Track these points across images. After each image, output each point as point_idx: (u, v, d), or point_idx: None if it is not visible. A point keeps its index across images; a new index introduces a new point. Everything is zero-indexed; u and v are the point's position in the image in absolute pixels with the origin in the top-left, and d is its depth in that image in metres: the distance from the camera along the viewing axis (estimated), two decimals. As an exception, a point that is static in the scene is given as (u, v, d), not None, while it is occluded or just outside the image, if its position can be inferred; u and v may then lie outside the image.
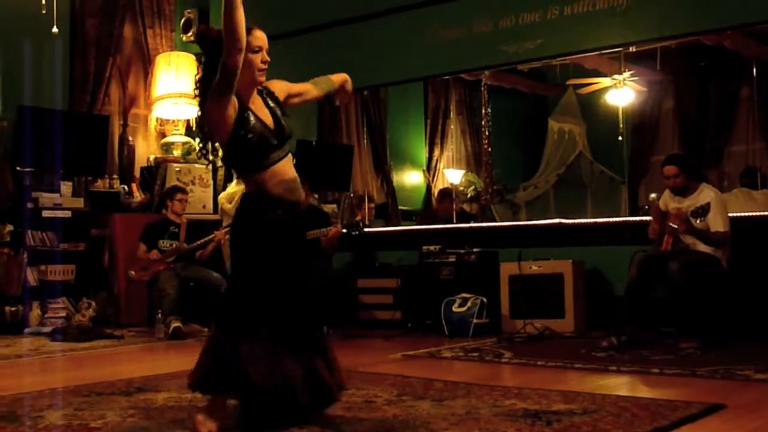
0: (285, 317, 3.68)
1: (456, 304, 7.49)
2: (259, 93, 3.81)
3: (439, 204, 10.84)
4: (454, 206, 10.64)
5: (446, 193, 10.97)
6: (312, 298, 3.86)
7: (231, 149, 3.68)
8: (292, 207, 3.80)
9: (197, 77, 3.79)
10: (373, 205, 11.12)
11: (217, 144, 3.79)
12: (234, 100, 3.59)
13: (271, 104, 3.82)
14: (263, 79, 3.76)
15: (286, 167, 3.78)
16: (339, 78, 4.24)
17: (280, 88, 3.93)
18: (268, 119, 3.74)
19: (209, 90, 3.60)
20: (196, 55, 10.22)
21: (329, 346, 3.90)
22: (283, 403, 3.61)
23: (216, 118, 3.63)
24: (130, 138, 10.17)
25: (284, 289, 3.71)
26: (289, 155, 3.83)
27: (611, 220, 8.21)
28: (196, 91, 3.76)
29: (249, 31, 3.60)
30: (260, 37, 3.71)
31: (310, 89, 4.10)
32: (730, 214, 6.54)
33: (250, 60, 3.63)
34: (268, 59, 3.74)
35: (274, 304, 3.67)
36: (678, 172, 6.52)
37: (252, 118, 3.66)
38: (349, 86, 4.28)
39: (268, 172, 3.70)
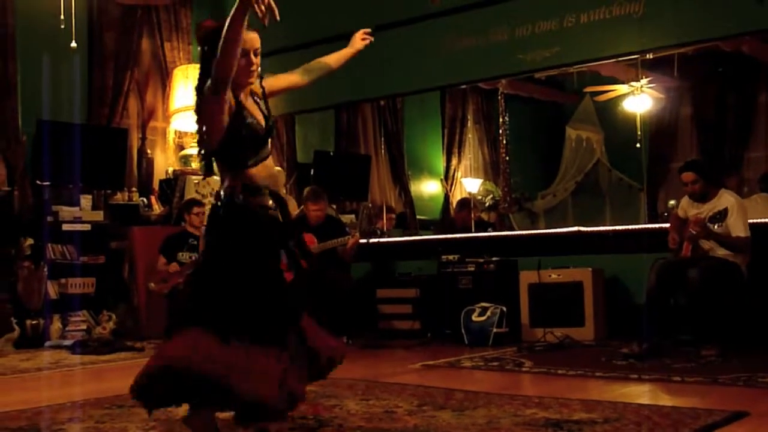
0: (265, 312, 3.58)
1: (475, 314, 7.48)
2: (252, 94, 3.82)
3: (457, 213, 10.83)
4: (473, 215, 10.63)
5: (464, 202, 10.96)
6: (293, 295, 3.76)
7: (226, 143, 3.65)
8: (279, 196, 3.81)
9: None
10: (393, 215, 11.12)
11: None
12: (230, 95, 3.60)
13: (259, 101, 3.83)
14: (252, 80, 3.75)
15: (270, 161, 3.84)
16: (337, 57, 4.32)
17: (266, 83, 3.92)
18: (260, 116, 3.76)
19: (206, 86, 3.63)
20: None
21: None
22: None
23: (209, 114, 3.64)
24: (149, 151, 10.21)
25: (268, 283, 3.64)
26: (270, 156, 3.84)
27: (630, 227, 8.17)
28: (196, 89, 3.76)
29: None
30: (248, 39, 3.64)
31: (297, 81, 4.11)
32: (750, 221, 6.51)
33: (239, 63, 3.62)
34: (255, 61, 3.70)
35: (254, 300, 3.58)
36: (696, 179, 6.49)
37: (249, 116, 3.68)
38: (357, 47, 4.37)
39: (257, 168, 3.71)
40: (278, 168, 9.85)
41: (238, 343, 3.43)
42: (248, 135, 3.66)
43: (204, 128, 3.72)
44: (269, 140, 3.81)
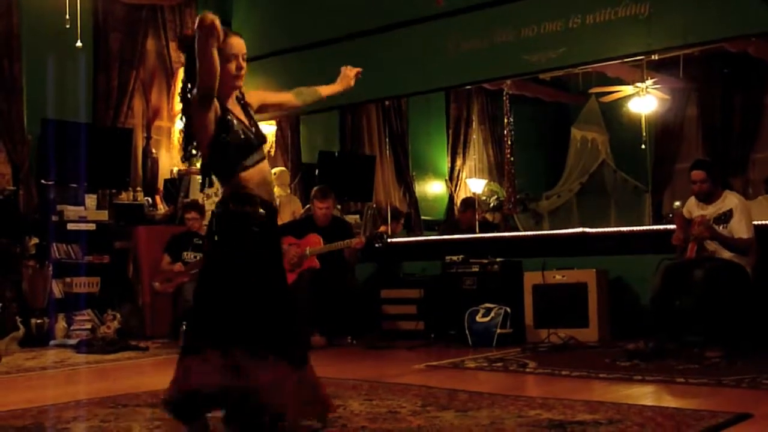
0: (258, 323, 3.65)
1: (479, 314, 7.46)
2: (237, 100, 3.85)
3: (461, 214, 10.82)
4: (477, 216, 10.62)
5: (469, 202, 10.95)
6: (288, 309, 3.83)
7: (213, 152, 3.70)
8: (271, 207, 3.82)
9: (181, 80, 3.86)
10: (403, 220, 11.10)
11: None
12: (216, 104, 3.63)
13: (247, 107, 3.87)
14: (241, 83, 3.80)
15: (265, 170, 3.83)
16: (329, 89, 4.27)
17: (254, 97, 3.97)
18: (247, 122, 3.80)
19: (192, 95, 3.67)
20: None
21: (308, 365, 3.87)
22: (249, 412, 3.56)
23: (198, 123, 3.67)
24: (154, 150, 10.22)
25: (261, 294, 3.69)
26: (266, 160, 3.87)
27: (635, 228, 8.16)
28: (180, 95, 3.83)
29: (224, 38, 3.64)
30: (235, 44, 3.71)
31: (290, 99, 4.19)
32: (755, 222, 6.49)
33: (225, 68, 3.65)
34: (244, 65, 3.77)
35: (247, 309, 3.64)
36: (706, 177, 6.47)
37: (234, 120, 3.71)
38: (349, 84, 4.32)
39: (249, 173, 3.72)
40: (282, 168, 9.87)
41: (257, 359, 3.56)
42: (235, 141, 3.69)
43: (191, 135, 3.77)
44: (261, 146, 3.83)
